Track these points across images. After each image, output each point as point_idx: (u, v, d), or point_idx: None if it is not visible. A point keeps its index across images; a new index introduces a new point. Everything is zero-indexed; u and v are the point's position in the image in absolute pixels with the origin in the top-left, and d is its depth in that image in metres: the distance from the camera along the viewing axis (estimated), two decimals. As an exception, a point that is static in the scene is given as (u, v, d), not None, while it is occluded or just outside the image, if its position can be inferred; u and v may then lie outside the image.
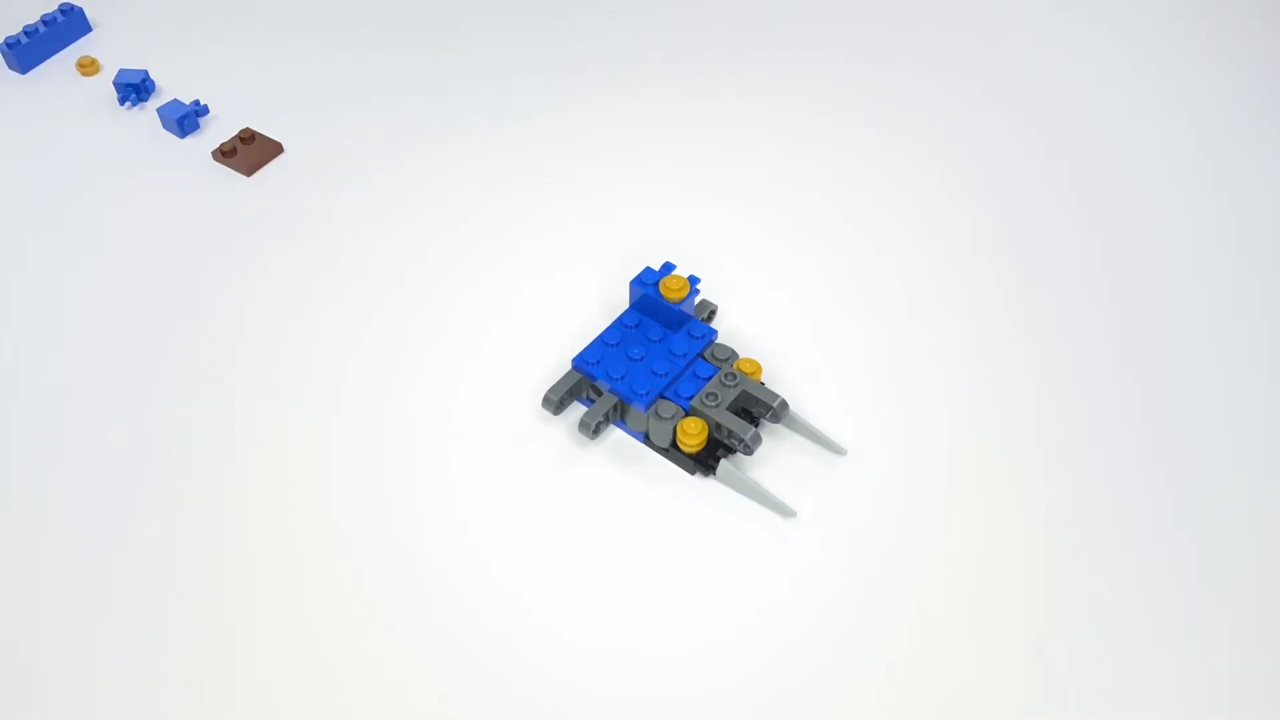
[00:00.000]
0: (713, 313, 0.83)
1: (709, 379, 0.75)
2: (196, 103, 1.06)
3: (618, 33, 1.19)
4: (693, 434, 0.73)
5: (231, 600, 0.70)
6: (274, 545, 0.73)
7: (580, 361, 0.77)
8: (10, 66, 1.13)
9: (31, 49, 1.13)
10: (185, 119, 1.04)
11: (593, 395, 0.78)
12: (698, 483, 0.76)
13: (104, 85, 1.11)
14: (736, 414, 0.75)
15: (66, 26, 1.15)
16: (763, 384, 0.77)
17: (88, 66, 1.12)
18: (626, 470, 0.77)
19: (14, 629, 0.69)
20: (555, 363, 0.83)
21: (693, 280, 0.79)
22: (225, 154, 1.01)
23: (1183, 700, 0.65)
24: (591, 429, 0.76)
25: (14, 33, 1.13)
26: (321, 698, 0.65)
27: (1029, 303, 0.89)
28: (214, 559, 0.72)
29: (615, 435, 0.79)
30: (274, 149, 1.03)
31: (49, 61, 1.14)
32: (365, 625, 0.69)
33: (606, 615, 0.69)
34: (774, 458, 0.77)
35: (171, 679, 0.66)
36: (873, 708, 0.65)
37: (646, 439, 0.77)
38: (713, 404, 0.74)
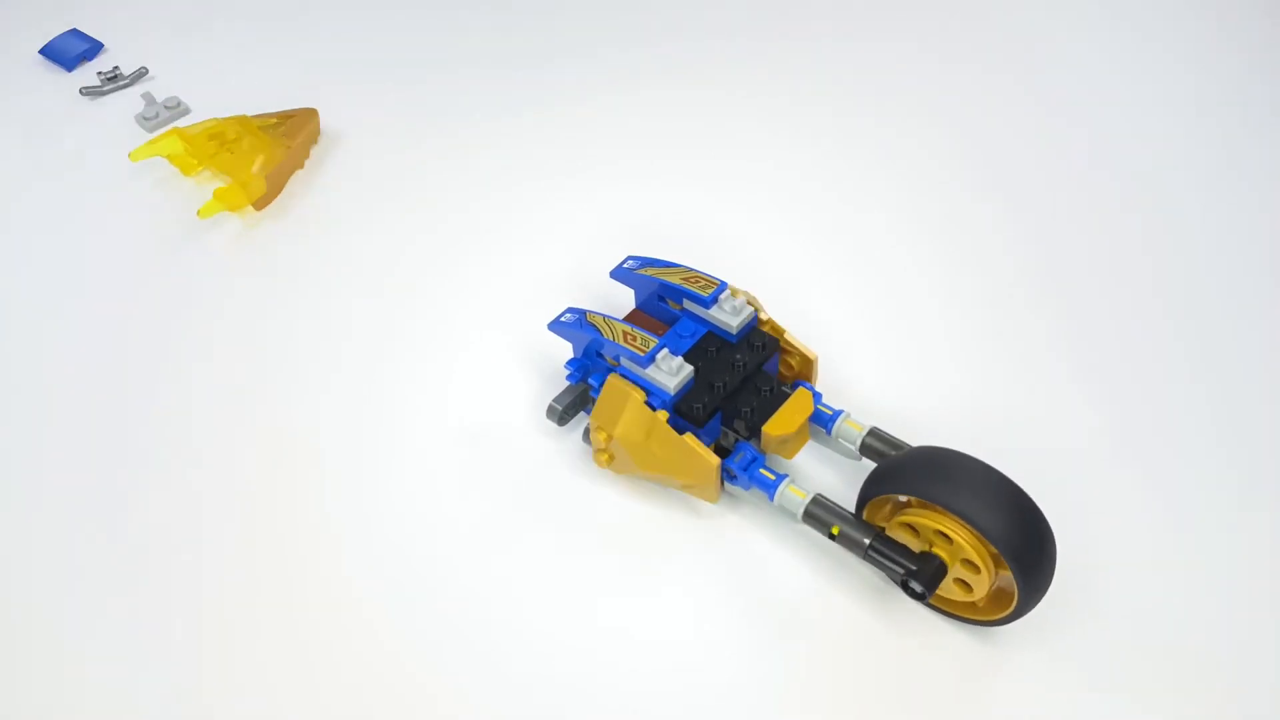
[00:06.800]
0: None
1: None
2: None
3: (609, 25, 1.18)
4: None
5: (224, 601, 0.69)
6: (270, 548, 0.72)
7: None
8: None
9: None
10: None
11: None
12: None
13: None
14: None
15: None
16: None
17: None
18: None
19: (3, 625, 0.69)
20: (559, 372, 0.81)
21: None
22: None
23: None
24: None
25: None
26: (312, 697, 0.64)
27: (1049, 296, 0.87)
28: (207, 562, 0.71)
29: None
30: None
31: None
32: (364, 631, 0.67)
33: (605, 622, 0.68)
34: (782, 461, 0.75)
35: (162, 678, 0.65)
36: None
37: None
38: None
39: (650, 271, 0.76)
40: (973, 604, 0.65)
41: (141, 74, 1.11)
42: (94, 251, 0.95)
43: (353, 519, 0.73)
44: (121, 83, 1.10)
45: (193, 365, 0.84)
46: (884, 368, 0.81)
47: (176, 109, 1.08)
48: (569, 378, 0.75)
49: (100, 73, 1.11)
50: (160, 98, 1.09)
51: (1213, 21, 1.17)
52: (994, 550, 0.60)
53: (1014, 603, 0.61)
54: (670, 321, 0.76)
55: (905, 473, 0.63)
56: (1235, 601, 0.67)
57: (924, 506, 0.62)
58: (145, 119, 1.07)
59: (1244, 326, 0.84)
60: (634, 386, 0.68)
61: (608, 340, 0.70)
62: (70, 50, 1.14)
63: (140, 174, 1.02)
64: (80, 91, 1.09)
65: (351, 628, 0.68)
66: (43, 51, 1.14)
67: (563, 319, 0.74)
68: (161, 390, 0.83)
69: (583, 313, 0.74)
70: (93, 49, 1.14)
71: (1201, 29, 1.16)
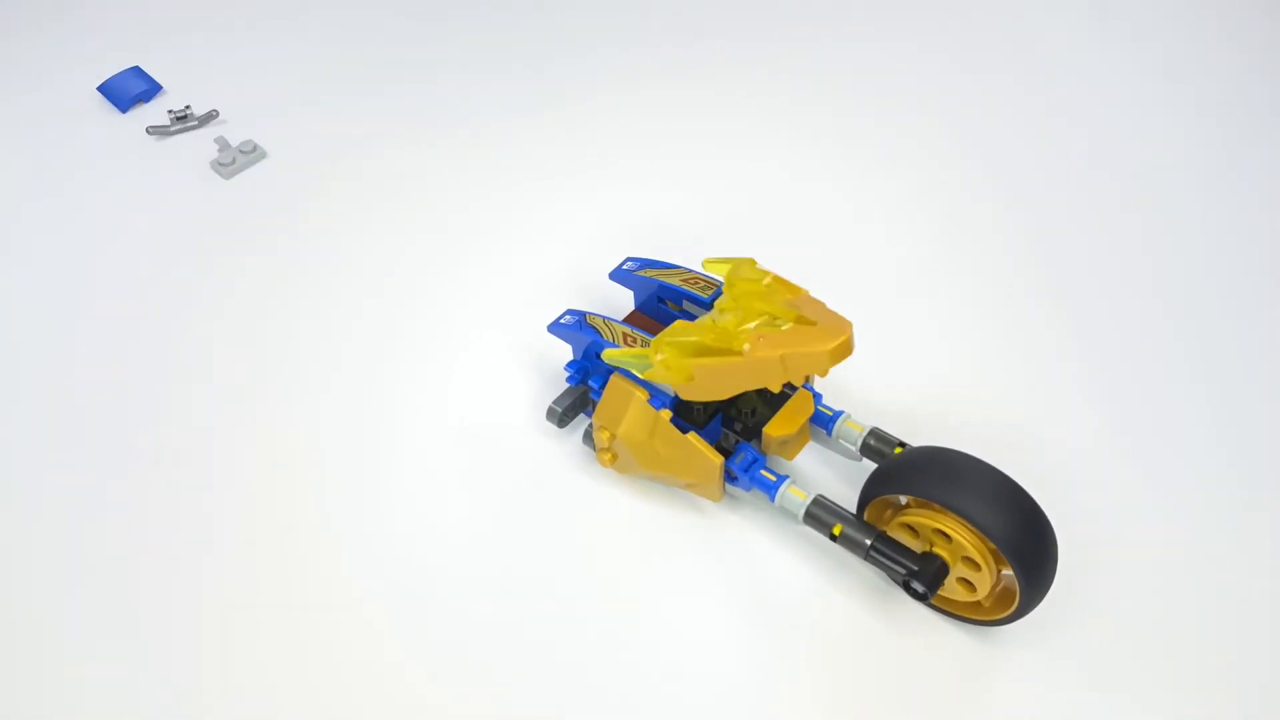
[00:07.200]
0: None
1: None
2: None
3: (609, 25, 1.18)
4: None
5: (224, 601, 0.69)
6: (270, 548, 0.72)
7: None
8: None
9: None
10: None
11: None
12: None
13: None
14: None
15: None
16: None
17: None
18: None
19: (3, 625, 0.68)
20: (559, 373, 0.81)
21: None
22: None
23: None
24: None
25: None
26: (312, 697, 0.64)
27: (1049, 296, 0.87)
28: (207, 562, 0.71)
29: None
30: None
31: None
32: (364, 631, 0.67)
33: (605, 622, 0.68)
34: (783, 462, 0.75)
35: (162, 678, 0.65)
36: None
37: None
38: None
39: (649, 273, 0.76)
40: (975, 604, 0.65)
41: (212, 116, 1.07)
42: (103, 256, 0.95)
43: (353, 519, 0.73)
44: (191, 124, 1.06)
45: (193, 365, 0.85)
46: (884, 368, 0.81)
47: (252, 154, 1.03)
48: (569, 380, 0.75)
49: (171, 111, 1.06)
50: (234, 141, 1.05)
51: (1213, 21, 1.17)
52: (994, 546, 0.60)
53: (1016, 602, 0.61)
54: (669, 323, 0.76)
55: (907, 473, 0.63)
56: (1235, 601, 0.67)
57: (922, 506, 0.62)
58: (221, 165, 1.02)
59: (1244, 326, 0.84)
60: (637, 386, 0.68)
61: (607, 342, 0.70)
62: (128, 90, 1.10)
63: (137, 178, 1.02)
64: (147, 130, 1.05)
65: (351, 628, 0.68)
66: (101, 88, 1.10)
67: (562, 321, 0.74)
68: (161, 390, 0.83)
69: (582, 314, 0.74)
70: (150, 90, 1.10)
71: (1201, 29, 1.17)
